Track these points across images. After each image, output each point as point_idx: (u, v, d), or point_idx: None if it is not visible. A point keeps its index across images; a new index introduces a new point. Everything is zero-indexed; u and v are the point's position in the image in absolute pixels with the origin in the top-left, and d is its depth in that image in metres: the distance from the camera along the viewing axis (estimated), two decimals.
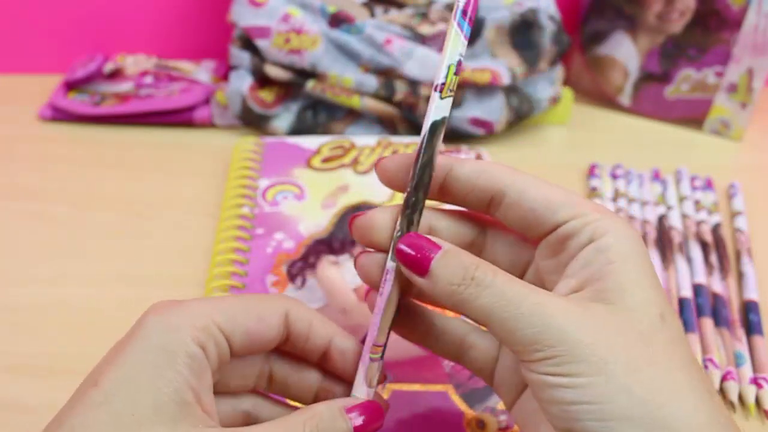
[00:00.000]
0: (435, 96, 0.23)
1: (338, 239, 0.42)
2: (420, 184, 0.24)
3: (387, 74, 0.51)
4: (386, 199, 0.45)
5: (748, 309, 0.39)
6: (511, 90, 0.53)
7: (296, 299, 0.26)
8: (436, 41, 0.52)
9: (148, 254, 0.43)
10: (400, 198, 0.45)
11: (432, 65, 0.50)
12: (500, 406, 0.33)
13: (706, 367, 0.36)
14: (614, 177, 0.51)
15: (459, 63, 0.23)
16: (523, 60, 0.53)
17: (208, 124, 0.56)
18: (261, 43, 0.51)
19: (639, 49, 0.58)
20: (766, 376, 0.35)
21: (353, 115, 0.53)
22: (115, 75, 0.59)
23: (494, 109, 0.52)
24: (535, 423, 0.24)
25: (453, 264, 0.22)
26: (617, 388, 0.20)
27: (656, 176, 0.51)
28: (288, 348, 0.26)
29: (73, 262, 0.42)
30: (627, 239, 0.23)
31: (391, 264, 0.24)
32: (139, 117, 0.55)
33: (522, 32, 0.53)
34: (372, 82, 0.51)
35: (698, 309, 0.39)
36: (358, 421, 0.24)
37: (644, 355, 0.21)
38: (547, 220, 0.24)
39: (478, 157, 0.50)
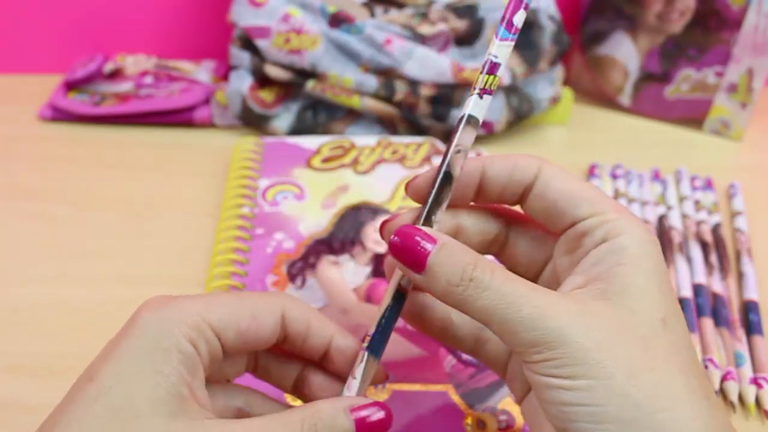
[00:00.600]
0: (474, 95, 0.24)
1: (338, 239, 0.42)
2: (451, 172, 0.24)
3: (387, 74, 0.51)
4: (386, 199, 0.45)
5: (748, 309, 0.39)
6: (511, 90, 0.53)
7: (294, 297, 0.26)
8: (436, 41, 0.52)
9: (148, 254, 0.43)
10: (400, 199, 0.45)
11: (432, 65, 0.50)
12: (500, 406, 0.33)
13: (706, 367, 0.36)
14: (614, 177, 0.51)
15: (490, 63, 0.24)
16: (523, 60, 0.53)
17: (208, 124, 0.56)
18: (261, 43, 0.51)
19: (639, 49, 0.58)
20: (766, 376, 0.35)
21: (353, 115, 0.53)
22: (115, 75, 0.59)
23: (494, 109, 0.52)
24: (543, 419, 0.24)
25: (450, 262, 0.22)
26: (615, 392, 0.20)
27: (656, 176, 0.51)
28: (287, 347, 0.26)
29: (73, 262, 0.42)
30: (641, 242, 0.23)
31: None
32: (139, 117, 0.55)
33: (522, 32, 0.53)
34: (372, 82, 0.51)
35: (698, 309, 0.39)
36: (364, 422, 0.23)
37: (643, 360, 0.21)
38: (567, 213, 0.24)
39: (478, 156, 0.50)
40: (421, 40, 0.51)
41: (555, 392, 0.21)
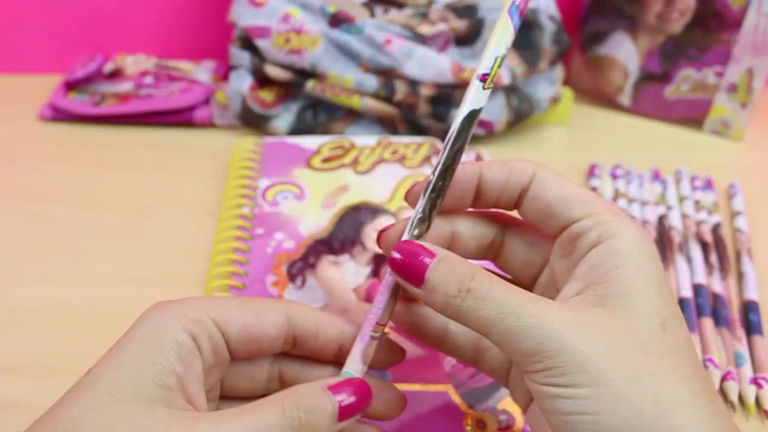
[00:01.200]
0: (477, 85, 0.23)
1: (338, 239, 0.42)
2: (449, 170, 0.24)
3: (387, 74, 0.51)
4: (386, 199, 0.45)
5: (748, 309, 0.39)
6: (511, 90, 0.53)
7: (299, 302, 0.26)
8: (436, 41, 0.52)
9: (148, 254, 0.43)
10: (400, 199, 0.45)
11: (432, 65, 0.50)
12: (500, 406, 0.33)
13: (706, 367, 0.36)
14: (614, 177, 0.51)
15: (504, 57, 0.24)
16: (523, 60, 0.53)
17: (208, 124, 0.56)
18: (261, 43, 0.51)
19: (639, 49, 0.58)
20: (766, 376, 0.35)
21: (353, 115, 0.53)
22: (115, 75, 0.59)
23: (494, 109, 0.52)
24: (548, 428, 0.24)
25: (448, 274, 0.22)
26: (616, 399, 0.20)
27: (656, 176, 0.51)
28: (297, 351, 0.26)
29: (73, 262, 0.42)
30: (638, 243, 0.22)
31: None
32: (139, 117, 0.55)
33: (522, 32, 0.53)
34: (372, 82, 0.51)
35: (698, 309, 0.39)
36: (344, 399, 0.23)
37: (643, 366, 0.20)
38: (561, 214, 0.24)
39: (478, 156, 0.50)
40: (421, 40, 0.51)
41: (556, 401, 0.21)
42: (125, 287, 0.40)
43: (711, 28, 0.54)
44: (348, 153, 0.49)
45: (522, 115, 0.54)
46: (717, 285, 0.41)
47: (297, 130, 0.53)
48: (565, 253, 0.24)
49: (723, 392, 0.35)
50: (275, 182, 0.46)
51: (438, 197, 0.24)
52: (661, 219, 0.46)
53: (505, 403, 0.33)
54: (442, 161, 0.24)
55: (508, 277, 0.27)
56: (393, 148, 0.50)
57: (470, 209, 0.26)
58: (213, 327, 0.23)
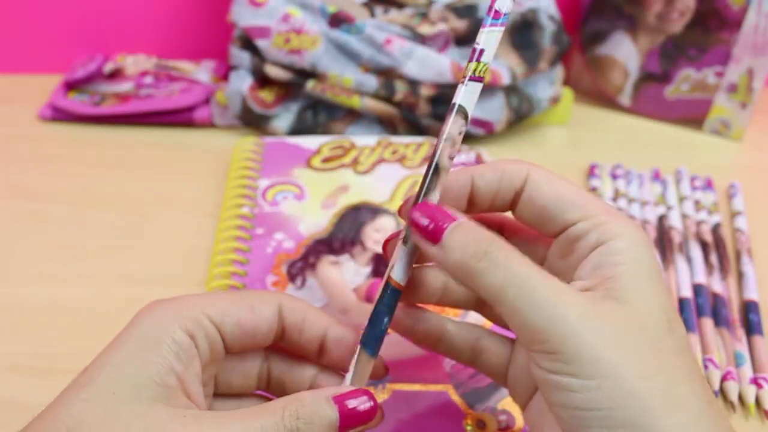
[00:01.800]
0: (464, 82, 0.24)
1: (338, 239, 0.42)
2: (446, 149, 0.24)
3: (387, 74, 0.51)
4: (386, 199, 0.45)
5: (748, 309, 0.39)
6: (511, 90, 0.53)
7: (291, 294, 0.26)
8: (436, 41, 0.52)
9: (148, 254, 0.43)
10: (400, 199, 0.45)
11: (432, 65, 0.50)
12: (500, 406, 0.33)
13: (705, 367, 0.36)
14: (614, 177, 0.51)
15: (473, 49, 0.24)
16: (523, 60, 0.53)
17: (208, 124, 0.56)
18: (261, 43, 0.51)
19: (639, 49, 0.58)
20: (766, 376, 0.35)
21: (353, 115, 0.53)
22: (115, 75, 0.59)
23: (494, 109, 0.52)
24: (549, 425, 0.24)
25: (466, 235, 0.22)
26: (626, 393, 0.20)
27: (656, 176, 0.51)
28: (285, 344, 0.26)
29: (73, 262, 0.42)
30: (636, 243, 0.22)
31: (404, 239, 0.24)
32: (139, 117, 0.55)
33: (522, 32, 0.53)
34: (372, 82, 0.51)
35: (698, 309, 0.39)
36: (347, 410, 0.22)
37: (652, 362, 0.20)
38: (558, 218, 0.24)
39: (478, 156, 0.50)
40: (421, 40, 0.51)
41: (565, 394, 0.20)
42: (125, 287, 0.40)
43: (711, 28, 0.54)
44: (348, 153, 0.49)
45: (522, 115, 0.54)
46: (717, 285, 0.41)
47: (297, 130, 0.53)
48: (564, 254, 0.24)
49: (723, 392, 0.35)
50: (275, 182, 0.46)
51: (437, 176, 0.24)
52: (661, 219, 0.46)
53: (505, 403, 0.33)
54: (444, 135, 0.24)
55: None
56: (393, 148, 0.50)
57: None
58: (209, 324, 0.23)
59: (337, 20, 0.51)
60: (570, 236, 0.24)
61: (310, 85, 0.51)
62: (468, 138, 0.54)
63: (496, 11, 0.24)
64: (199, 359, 0.23)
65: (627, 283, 0.22)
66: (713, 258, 0.43)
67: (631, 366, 0.20)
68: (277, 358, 0.26)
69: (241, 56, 0.53)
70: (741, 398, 0.35)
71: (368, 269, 0.40)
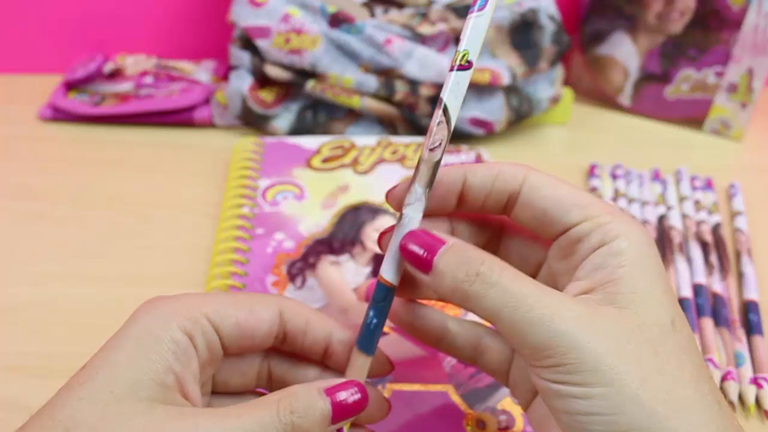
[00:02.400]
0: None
1: (338, 239, 0.42)
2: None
3: (387, 74, 0.51)
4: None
5: (748, 309, 0.39)
6: (511, 90, 0.53)
7: (292, 298, 0.26)
8: (436, 41, 0.52)
9: (148, 254, 0.43)
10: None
11: (432, 65, 0.50)
12: (500, 406, 0.33)
13: None
14: (614, 177, 0.51)
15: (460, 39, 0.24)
16: (523, 60, 0.53)
17: (208, 124, 0.56)
18: (261, 43, 0.51)
19: (639, 49, 0.58)
20: (766, 376, 0.35)
21: (353, 115, 0.53)
22: (115, 75, 0.59)
23: (494, 109, 0.52)
24: (551, 425, 0.24)
25: (457, 258, 0.22)
26: (628, 399, 0.20)
27: (656, 176, 0.51)
28: (287, 347, 0.26)
29: (73, 262, 0.42)
30: (639, 243, 0.22)
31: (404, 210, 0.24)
32: (139, 117, 0.55)
33: (522, 32, 0.53)
34: (372, 82, 0.51)
35: (698, 309, 0.39)
36: (338, 402, 0.23)
37: (654, 365, 0.20)
38: (558, 220, 0.23)
39: (478, 156, 0.50)
40: (421, 40, 0.51)
41: (567, 401, 0.20)
42: (125, 287, 0.40)
43: (711, 28, 0.54)
44: (348, 153, 0.49)
45: (522, 115, 0.54)
46: (717, 285, 0.41)
47: (297, 130, 0.53)
48: (565, 255, 0.24)
49: (723, 392, 0.35)
50: (275, 182, 0.46)
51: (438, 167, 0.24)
52: (661, 219, 0.46)
53: (505, 403, 0.33)
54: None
55: None
56: (393, 148, 0.50)
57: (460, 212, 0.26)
58: (207, 324, 0.23)
59: (337, 20, 0.51)
60: (571, 237, 0.23)
61: (310, 85, 0.51)
62: (468, 138, 0.54)
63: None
64: (197, 359, 0.23)
65: (628, 287, 0.21)
66: (713, 258, 0.43)
67: (632, 371, 0.20)
68: (278, 357, 0.26)
69: (241, 56, 0.53)
70: (741, 398, 0.35)
71: (368, 269, 0.40)
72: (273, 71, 0.52)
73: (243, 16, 0.52)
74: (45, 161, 0.51)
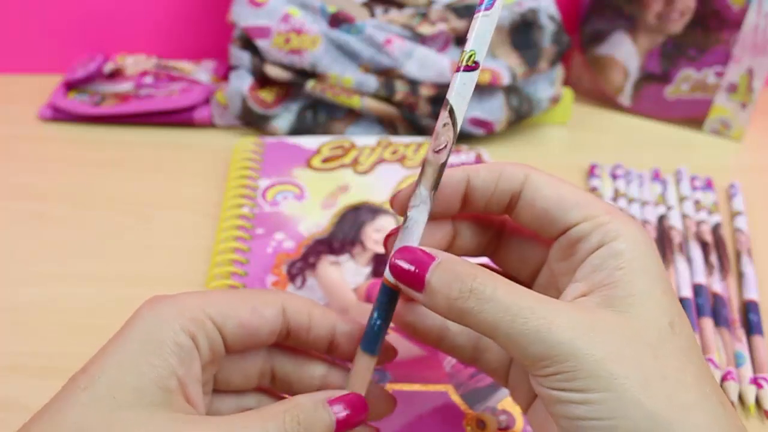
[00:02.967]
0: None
1: (338, 239, 0.42)
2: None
3: (387, 74, 0.51)
4: (386, 199, 0.45)
5: (748, 309, 0.39)
6: (511, 90, 0.53)
7: (294, 294, 0.26)
8: (436, 41, 0.52)
9: (148, 254, 0.43)
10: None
11: (432, 65, 0.50)
12: (500, 406, 0.33)
13: None
14: (614, 177, 0.51)
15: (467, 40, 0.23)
16: (523, 60, 0.53)
17: (208, 124, 0.56)
18: (261, 43, 0.51)
19: (639, 49, 0.58)
20: (766, 376, 0.35)
21: (353, 115, 0.53)
22: (115, 75, 0.59)
23: (494, 109, 0.52)
24: (551, 428, 0.23)
25: (448, 275, 0.22)
26: (628, 403, 0.19)
27: (656, 176, 0.51)
28: (291, 343, 0.26)
29: (73, 262, 0.42)
30: (638, 243, 0.22)
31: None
32: (139, 117, 0.55)
33: (522, 32, 0.53)
34: (372, 82, 0.51)
35: (698, 309, 0.39)
36: (342, 413, 0.23)
37: (655, 368, 0.20)
38: (559, 220, 0.23)
39: (478, 156, 0.50)
40: (421, 40, 0.51)
41: (568, 407, 0.20)
42: (125, 287, 0.40)
43: (711, 28, 0.54)
44: (348, 153, 0.49)
45: (522, 115, 0.54)
46: (717, 285, 0.41)
47: (297, 130, 0.53)
48: (565, 255, 0.24)
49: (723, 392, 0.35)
50: (275, 182, 0.46)
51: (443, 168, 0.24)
52: (661, 219, 0.46)
53: (505, 403, 0.33)
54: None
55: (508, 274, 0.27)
56: (393, 148, 0.50)
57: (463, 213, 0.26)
58: (211, 325, 0.23)
59: (337, 20, 0.51)
60: (572, 237, 0.23)
61: (310, 85, 0.51)
62: (468, 138, 0.54)
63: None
64: (200, 360, 0.23)
65: (626, 289, 0.21)
66: (713, 258, 0.43)
67: (632, 376, 0.20)
68: (281, 356, 0.26)
69: (241, 56, 0.53)
70: (741, 398, 0.35)
71: (368, 269, 0.40)
72: (273, 71, 0.52)
73: (243, 16, 0.52)
74: (45, 161, 0.51)
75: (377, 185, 0.46)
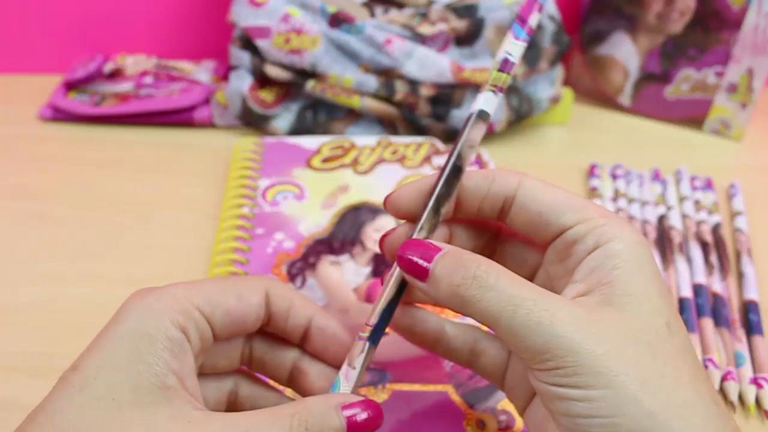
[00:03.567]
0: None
1: (338, 239, 0.42)
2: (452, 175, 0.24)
3: (387, 74, 0.51)
4: None
5: (748, 309, 0.39)
6: (511, 90, 0.53)
7: (277, 279, 0.26)
8: (436, 41, 0.52)
9: (148, 254, 0.43)
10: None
11: (432, 65, 0.50)
12: (500, 406, 0.33)
13: (705, 367, 0.36)
14: (614, 177, 0.51)
15: (505, 60, 0.24)
16: (523, 60, 0.53)
17: (208, 124, 0.56)
18: (261, 43, 0.51)
19: (639, 49, 0.58)
20: (766, 376, 0.35)
21: (353, 115, 0.53)
22: (115, 75, 0.59)
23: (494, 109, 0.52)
24: (549, 429, 0.24)
25: (453, 263, 0.22)
26: (627, 401, 0.20)
27: (656, 176, 0.51)
28: (270, 329, 0.26)
29: (73, 262, 0.42)
30: (633, 245, 0.22)
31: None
32: (139, 117, 0.55)
33: None
34: (372, 82, 0.51)
35: (698, 309, 0.39)
36: (354, 419, 0.22)
37: (653, 367, 0.20)
38: (553, 223, 0.24)
39: (478, 157, 0.50)
40: (421, 40, 0.51)
41: (567, 404, 0.20)
42: (125, 287, 0.40)
43: (711, 28, 0.54)
44: (348, 153, 0.49)
45: (522, 115, 0.54)
46: (717, 285, 0.41)
47: (297, 130, 0.53)
48: (561, 258, 0.24)
49: (723, 392, 0.35)
50: (275, 182, 0.46)
51: (443, 200, 0.24)
52: (661, 219, 0.46)
53: (505, 403, 0.33)
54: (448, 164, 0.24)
55: None
56: (393, 148, 0.50)
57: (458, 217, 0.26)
58: (199, 315, 0.23)
59: (337, 20, 0.51)
60: (567, 240, 0.23)
61: (310, 85, 0.51)
62: None
63: (530, 28, 0.24)
64: (192, 352, 0.23)
65: (624, 288, 0.22)
66: (713, 258, 0.43)
67: (631, 374, 0.20)
68: (259, 339, 0.26)
69: (241, 56, 0.53)
70: (741, 398, 0.35)
71: (368, 269, 0.40)
72: (273, 71, 0.52)
73: (243, 16, 0.52)
74: (45, 161, 0.51)
75: (377, 185, 0.46)
